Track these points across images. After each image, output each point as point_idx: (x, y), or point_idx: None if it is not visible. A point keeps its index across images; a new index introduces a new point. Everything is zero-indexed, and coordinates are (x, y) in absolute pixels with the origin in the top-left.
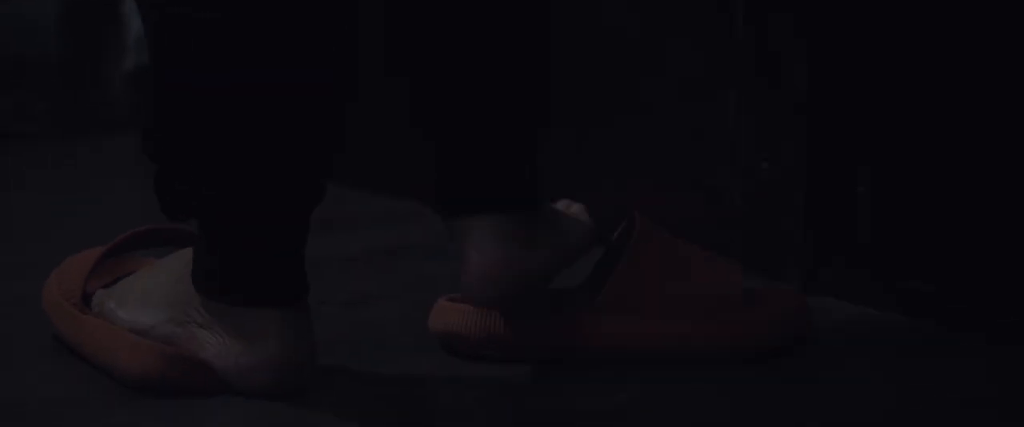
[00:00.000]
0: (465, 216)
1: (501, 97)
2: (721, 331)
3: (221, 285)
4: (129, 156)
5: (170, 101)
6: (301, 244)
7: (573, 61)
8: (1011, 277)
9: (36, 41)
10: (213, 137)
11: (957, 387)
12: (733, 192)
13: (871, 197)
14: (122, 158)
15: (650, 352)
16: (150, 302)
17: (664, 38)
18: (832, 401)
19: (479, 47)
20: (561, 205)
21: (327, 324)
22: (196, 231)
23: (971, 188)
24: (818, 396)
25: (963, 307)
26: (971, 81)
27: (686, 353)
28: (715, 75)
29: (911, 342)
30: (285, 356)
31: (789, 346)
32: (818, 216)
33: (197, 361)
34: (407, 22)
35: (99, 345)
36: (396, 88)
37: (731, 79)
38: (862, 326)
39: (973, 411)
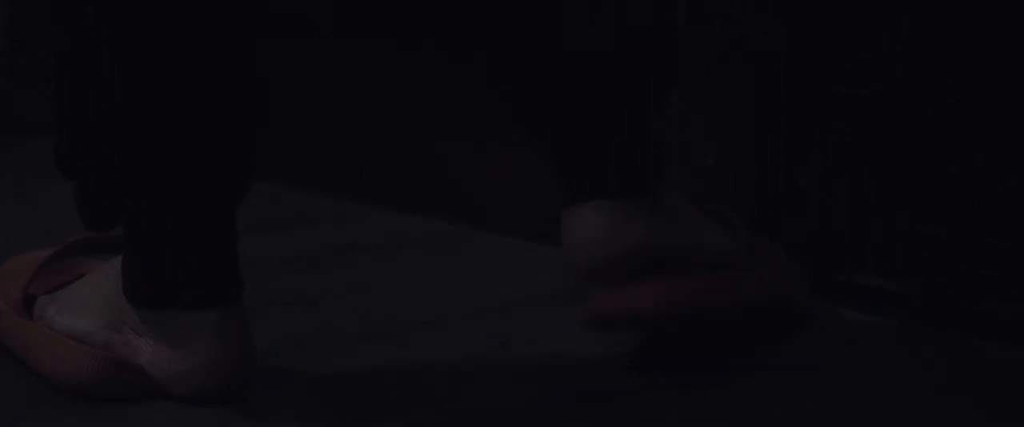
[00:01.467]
0: (569, 205)
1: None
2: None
3: (148, 291)
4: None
5: (73, 115)
6: (228, 243)
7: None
8: (957, 268)
9: None
10: (122, 145)
11: (903, 379)
12: (681, 186)
13: (817, 191)
14: None
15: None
16: (89, 308)
17: None
18: (776, 399)
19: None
20: None
21: (271, 325)
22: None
23: (921, 182)
24: (762, 394)
25: (912, 300)
26: (927, 76)
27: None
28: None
29: (856, 336)
30: (217, 359)
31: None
32: (762, 210)
33: (134, 366)
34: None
35: (37, 350)
36: (336, 90)
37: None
38: (810, 320)
39: (923, 405)
